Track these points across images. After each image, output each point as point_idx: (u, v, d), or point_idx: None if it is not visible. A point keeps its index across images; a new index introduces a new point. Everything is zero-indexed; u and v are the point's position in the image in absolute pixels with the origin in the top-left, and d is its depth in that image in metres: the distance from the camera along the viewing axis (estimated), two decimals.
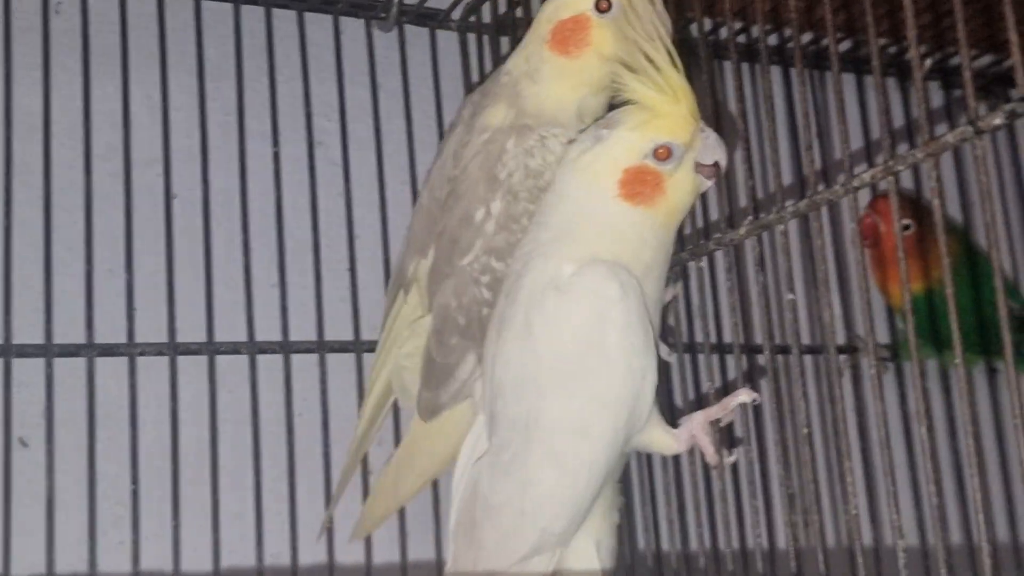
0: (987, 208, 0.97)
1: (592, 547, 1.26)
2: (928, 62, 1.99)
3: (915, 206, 1.84)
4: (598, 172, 1.20)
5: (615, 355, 1.16)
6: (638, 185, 1.18)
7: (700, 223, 1.55)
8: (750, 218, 1.23)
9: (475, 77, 1.77)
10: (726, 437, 1.27)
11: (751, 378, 1.75)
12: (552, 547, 1.21)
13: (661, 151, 1.18)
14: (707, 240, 1.32)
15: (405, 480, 1.43)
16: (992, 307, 0.98)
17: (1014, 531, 1.88)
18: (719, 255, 1.40)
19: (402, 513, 1.55)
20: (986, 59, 2.02)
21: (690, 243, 1.37)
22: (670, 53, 1.18)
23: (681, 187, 1.20)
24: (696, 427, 1.25)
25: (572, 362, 1.17)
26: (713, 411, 1.25)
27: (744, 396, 1.23)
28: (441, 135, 1.71)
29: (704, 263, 1.35)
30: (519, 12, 1.70)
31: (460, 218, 1.32)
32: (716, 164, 1.21)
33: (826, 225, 1.83)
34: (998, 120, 0.92)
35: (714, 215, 1.66)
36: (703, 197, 1.35)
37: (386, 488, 1.45)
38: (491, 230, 1.30)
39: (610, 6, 1.28)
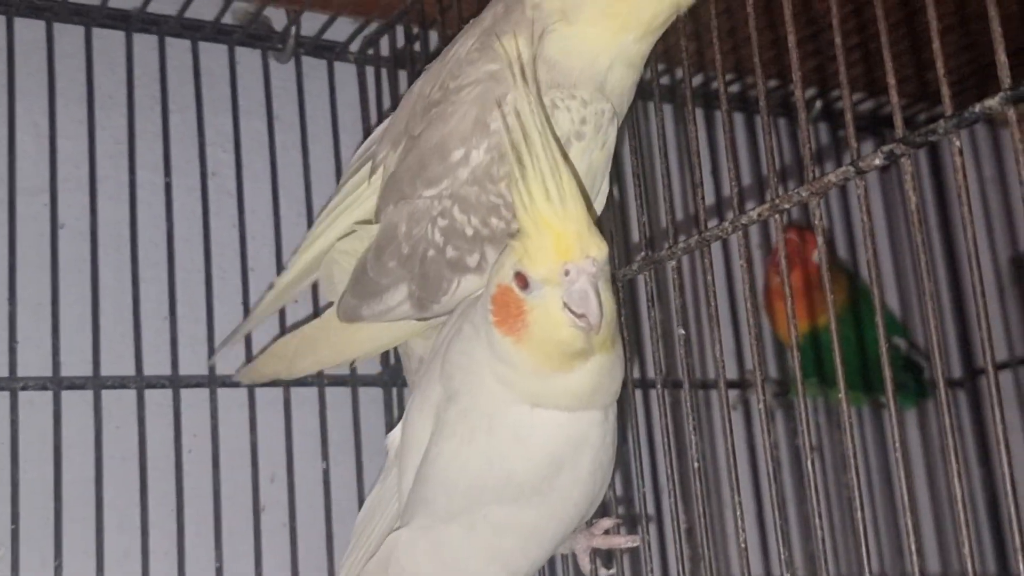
0: (868, 246, 1.00)
1: None
2: (818, 104, 2.06)
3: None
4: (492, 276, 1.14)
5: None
6: (504, 309, 1.09)
7: None
8: (643, 254, 1.24)
9: (373, 109, 1.79)
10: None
11: (647, 411, 1.77)
12: None
13: (519, 278, 1.07)
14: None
15: (303, 359, 1.40)
16: (877, 345, 1.00)
17: (901, 560, 1.93)
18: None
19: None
20: (871, 102, 2.09)
21: None
22: (550, 170, 1.04)
23: (545, 323, 1.07)
24: (578, 547, 1.27)
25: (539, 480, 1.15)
26: (596, 541, 1.26)
27: (624, 542, 1.25)
28: (339, 167, 1.72)
29: None
30: (417, 46, 1.72)
31: (436, 144, 1.22)
32: (581, 314, 1.04)
33: (718, 261, 1.87)
34: (878, 161, 0.95)
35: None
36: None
37: (283, 355, 1.42)
38: (463, 176, 1.20)
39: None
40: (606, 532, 1.27)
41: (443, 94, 1.24)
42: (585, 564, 1.26)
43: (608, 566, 1.27)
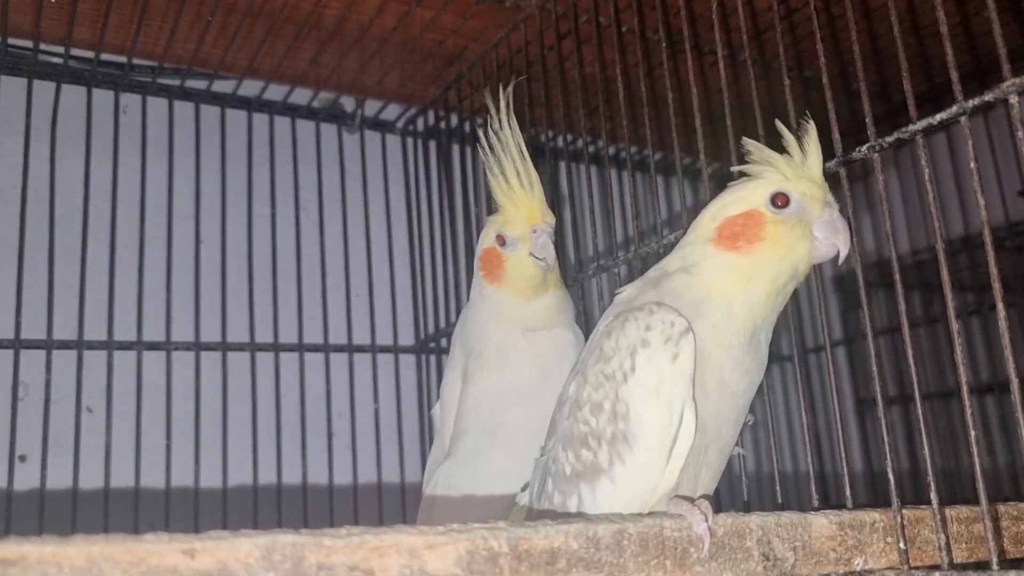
0: None
1: None
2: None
3: None
4: (479, 256, 1.18)
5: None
6: (489, 264, 1.16)
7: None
8: (594, 264, 1.28)
9: (411, 167, 1.81)
10: None
11: None
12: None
13: (499, 238, 1.14)
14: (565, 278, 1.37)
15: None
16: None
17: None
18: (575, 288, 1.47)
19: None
20: None
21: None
22: (522, 166, 1.11)
23: (516, 266, 1.14)
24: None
25: (537, 383, 1.13)
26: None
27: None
28: (387, 206, 1.75)
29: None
30: (442, 124, 1.76)
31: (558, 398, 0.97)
32: (543, 258, 1.12)
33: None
34: None
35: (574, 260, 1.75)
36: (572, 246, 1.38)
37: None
38: (565, 414, 0.91)
39: (788, 202, 0.85)
40: None
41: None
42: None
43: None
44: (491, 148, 1.13)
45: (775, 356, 1.81)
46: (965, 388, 0.76)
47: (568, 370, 1.06)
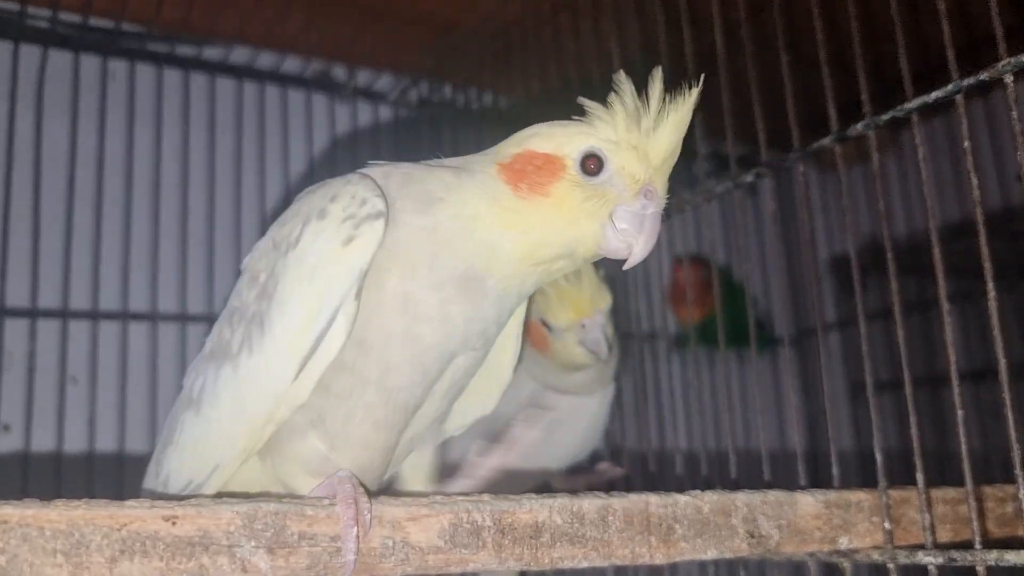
0: (742, 239, 1.07)
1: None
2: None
3: (702, 262, 1.92)
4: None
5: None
6: (533, 334, 1.10)
7: None
8: None
9: (404, 139, 1.80)
10: None
11: None
12: None
13: (543, 322, 1.10)
14: None
15: None
16: (743, 314, 1.08)
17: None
18: None
19: None
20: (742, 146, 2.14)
21: None
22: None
23: (565, 351, 1.10)
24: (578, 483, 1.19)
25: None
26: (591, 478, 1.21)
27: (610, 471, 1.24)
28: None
29: None
30: (435, 97, 1.76)
31: None
32: (594, 351, 1.09)
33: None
34: (749, 178, 1.02)
35: None
36: None
37: None
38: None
39: (600, 168, 0.72)
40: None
41: None
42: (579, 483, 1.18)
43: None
44: None
45: (769, 339, 1.78)
46: (953, 366, 0.77)
47: (582, 427, 1.13)
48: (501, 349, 0.82)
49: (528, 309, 0.86)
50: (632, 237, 0.71)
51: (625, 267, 0.73)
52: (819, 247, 2.12)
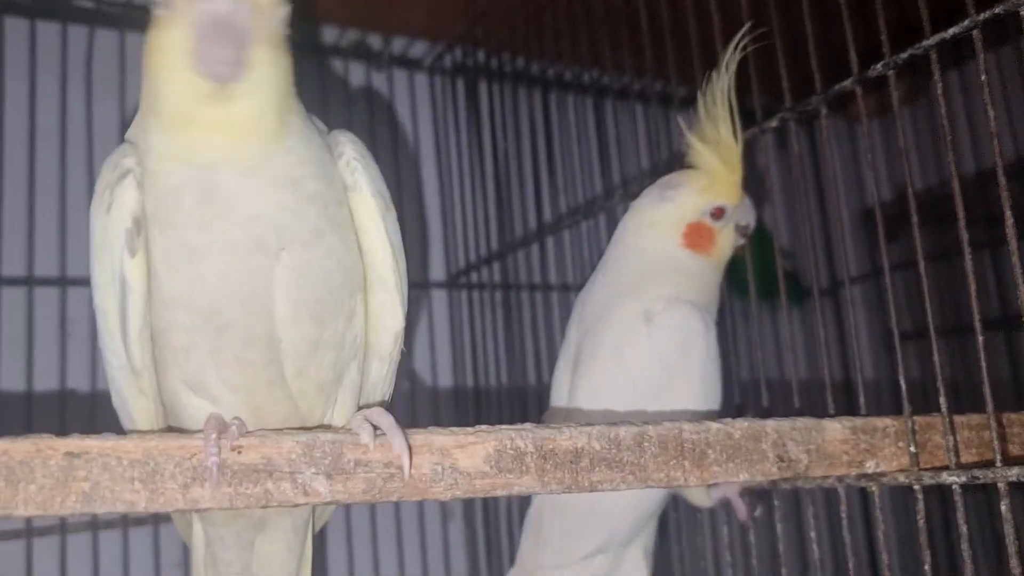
0: (770, 185, 1.08)
1: (641, 555, 1.09)
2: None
3: None
4: (666, 227, 1.07)
5: (696, 379, 1.02)
6: (697, 237, 1.06)
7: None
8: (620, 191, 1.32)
9: (439, 103, 1.83)
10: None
11: None
12: (613, 548, 1.05)
13: (716, 211, 1.06)
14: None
15: None
16: (773, 264, 1.09)
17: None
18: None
19: None
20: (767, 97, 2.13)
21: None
22: (734, 130, 1.03)
23: (726, 240, 1.08)
24: (730, 492, 1.07)
25: (659, 383, 1.02)
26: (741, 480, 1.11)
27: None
28: (415, 135, 1.78)
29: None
30: (470, 61, 1.79)
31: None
32: (747, 225, 1.10)
33: None
34: (774, 123, 1.03)
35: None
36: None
37: None
38: None
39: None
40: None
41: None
42: (742, 507, 1.07)
43: (757, 507, 1.09)
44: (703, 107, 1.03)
45: (799, 291, 1.77)
46: (973, 292, 0.79)
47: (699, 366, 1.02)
48: (369, 246, 0.78)
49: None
50: (206, 43, 0.66)
51: (218, 81, 0.67)
52: (851, 199, 2.12)
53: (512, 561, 1.58)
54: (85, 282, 1.41)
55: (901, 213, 0.91)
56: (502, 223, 1.69)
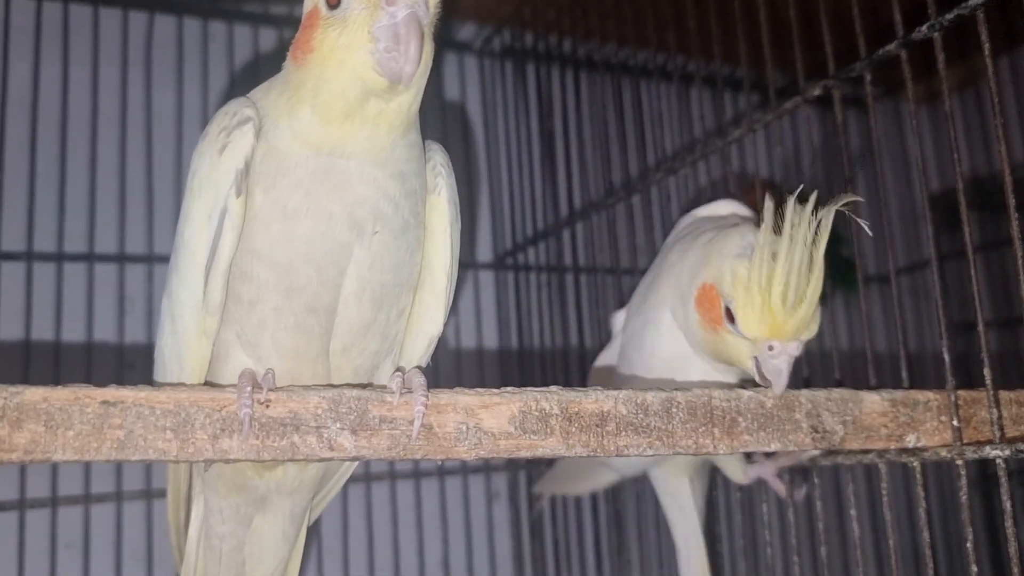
0: (816, 159, 1.06)
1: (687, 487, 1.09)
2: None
3: (774, 186, 1.87)
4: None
5: None
6: (706, 304, 0.89)
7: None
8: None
9: (489, 85, 1.83)
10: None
11: None
12: None
13: (728, 312, 0.85)
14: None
15: None
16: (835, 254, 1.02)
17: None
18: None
19: None
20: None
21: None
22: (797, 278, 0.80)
23: (735, 351, 0.87)
24: (766, 472, 1.02)
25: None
26: (781, 460, 1.00)
27: (803, 454, 0.97)
28: (464, 116, 1.79)
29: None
30: (518, 44, 1.79)
31: None
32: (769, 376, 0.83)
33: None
34: (817, 91, 1.01)
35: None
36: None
37: None
38: None
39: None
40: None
41: None
42: (780, 487, 1.03)
43: (800, 486, 1.04)
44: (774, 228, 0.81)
45: (853, 278, 1.74)
46: (1020, 262, 0.76)
47: None
48: (432, 249, 0.83)
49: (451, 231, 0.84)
50: (394, 51, 0.69)
51: (405, 83, 0.70)
52: (898, 182, 2.07)
53: (556, 543, 1.60)
54: (143, 259, 1.49)
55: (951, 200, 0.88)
56: (546, 204, 1.69)
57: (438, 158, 0.83)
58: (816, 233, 0.79)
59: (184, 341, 0.78)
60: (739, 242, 0.87)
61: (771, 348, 0.82)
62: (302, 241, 0.74)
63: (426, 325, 0.85)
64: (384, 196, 0.75)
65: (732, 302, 0.84)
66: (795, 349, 0.82)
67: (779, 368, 0.81)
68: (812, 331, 0.82)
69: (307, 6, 0.76)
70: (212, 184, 0.74)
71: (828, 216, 0.78)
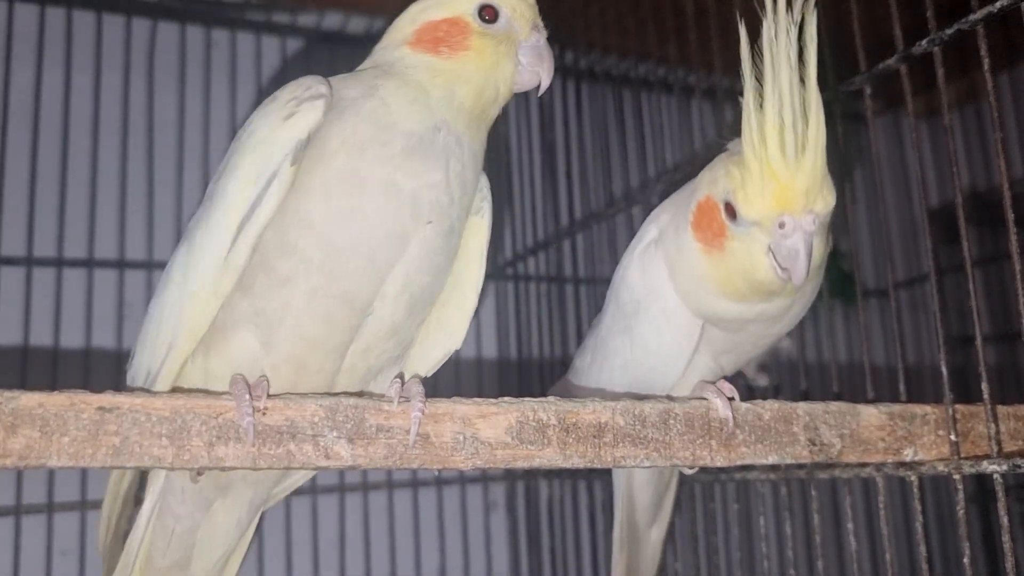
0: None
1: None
2: None
3: None
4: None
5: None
6: (705, 219, 0.81)
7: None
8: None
9: None
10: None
11: None
12: None
13: (728, 205, 0.77)
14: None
15: None
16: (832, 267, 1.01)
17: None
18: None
19: None
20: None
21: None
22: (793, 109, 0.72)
23: (744, 258, 0.77)
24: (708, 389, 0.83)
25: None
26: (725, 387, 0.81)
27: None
28: None
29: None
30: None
31: None
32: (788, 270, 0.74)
33: None
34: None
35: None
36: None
37: None
38: None
39: (496, 17, 0.81)
40: None
41: None
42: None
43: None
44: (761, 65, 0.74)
45: (851, 290, 1.73)
46: (1019, 277, 0.76)
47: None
48: (465, 267, 0.85)
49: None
50: (537, 66, 0.82)
51: (540, 93, 0.83)
52: (899, 195, 2.07)
53: (553, 553, 1.60)
54: (143, 265, 1.49)
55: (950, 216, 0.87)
56: (546, 214, 1.69)
57: (483, 181, 0.86)
58: (801, 48, 0.72)
59: (194, 294, 0.76)
60: (726, 154, 0.81)
61: (782, 227, 0.72)
62: (367, 219, 0.74)
63: (445, 339, 0.87)
64: (447, 181, 0.77)
65: (731, 192, 0.75)
66: (809, 223, 0.72)
67: (794, 248, 0.71)
68: (827, 201, 0.72)
69: (439, 14, 0.81)
70: (269, 146, 0.74)
71: (810, 23, 0.72)
